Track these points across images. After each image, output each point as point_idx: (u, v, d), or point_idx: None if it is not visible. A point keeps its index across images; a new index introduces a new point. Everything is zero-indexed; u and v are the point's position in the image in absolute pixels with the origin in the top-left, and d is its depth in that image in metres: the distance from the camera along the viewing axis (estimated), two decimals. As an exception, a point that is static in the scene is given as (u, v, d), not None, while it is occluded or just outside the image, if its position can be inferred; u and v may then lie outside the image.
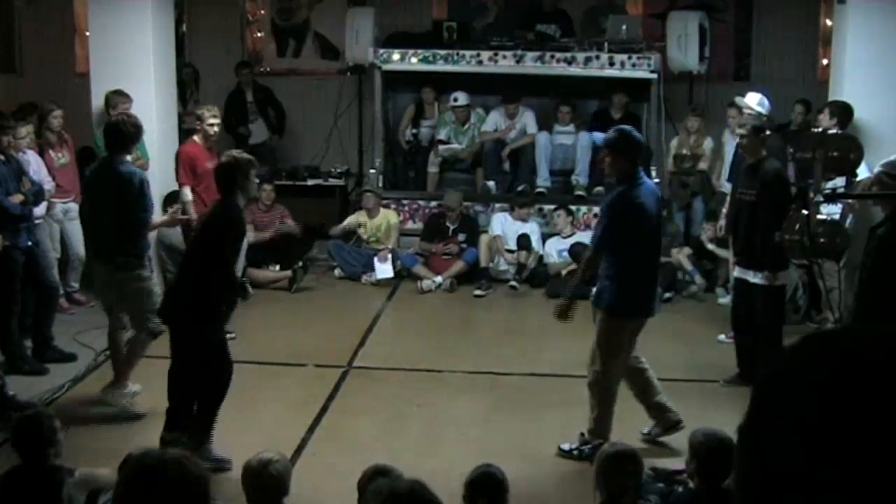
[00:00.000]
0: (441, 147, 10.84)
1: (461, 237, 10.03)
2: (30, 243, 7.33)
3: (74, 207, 8.78)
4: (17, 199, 7.16)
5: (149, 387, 7.17)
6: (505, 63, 10.28)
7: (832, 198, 6.09)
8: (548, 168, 10.53)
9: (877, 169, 6.16)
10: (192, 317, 5.77)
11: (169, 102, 9.50)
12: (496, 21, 11.80)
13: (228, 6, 12.32)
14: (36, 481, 4.19)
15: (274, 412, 6.61)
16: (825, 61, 10.73)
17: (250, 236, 8.69)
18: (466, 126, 10.84)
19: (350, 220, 10.35)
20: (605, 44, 10.24)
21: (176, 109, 9.93)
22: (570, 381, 7.32)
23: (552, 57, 10.22)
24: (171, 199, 8.46)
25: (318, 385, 7.21)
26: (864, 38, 8.40)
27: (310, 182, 11.32)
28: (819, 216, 5.96)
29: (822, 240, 5.95)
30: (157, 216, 7.62)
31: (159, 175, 8.60)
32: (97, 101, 8.90)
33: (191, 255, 6.23)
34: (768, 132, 7.32)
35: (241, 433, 5.96)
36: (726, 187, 9.12)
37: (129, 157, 6.95)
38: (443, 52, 10.36)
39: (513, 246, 9.83)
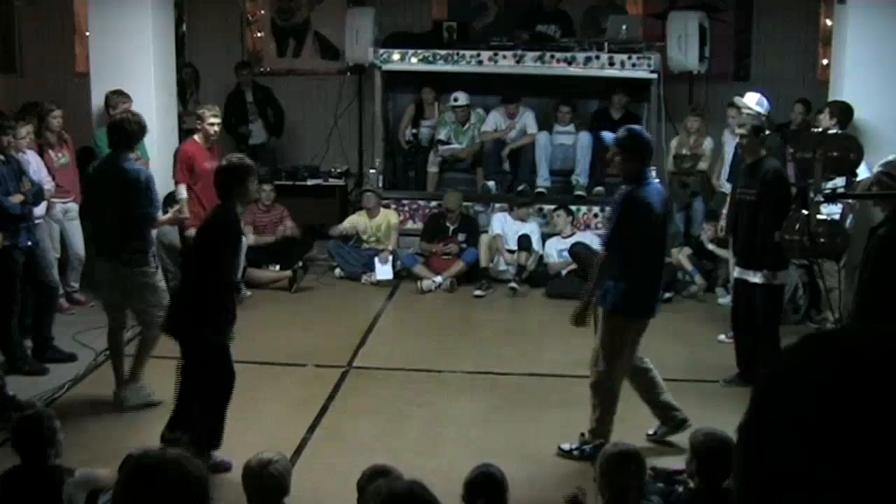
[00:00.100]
0: (441, 147, 10.84)
1: (461, 237, 10.03)
2: (30, 243, 7.33)
3: (74, 207, 8.79)
4: (17, 198, 7.15)
5: (147, 387, 7.19)
6: (505, 63, 10.28)
7: (832, 198, 6.09)
8: (548, 168, 10.53)
9: (876, 169, 6.16)
10: (191, 319, 5.78)
11: (169, 102, 9.51)
12: (496, 21, 11.81)
13: (228, 6, 12.33)
14: (36, 481, 4.19)
15: (274, 412, 6.61)
16: (825, 61, 10.73)
17: (251, 238, 8.70)
18: (466, 126, 10.84)
19: (350, 221, 10.35)
20: (605, 44, 10.24)
21: (176, 109, 9.94)
22: (570, 381, 7.32)
23: (552, 57, 10.22)
24: (171, 198, 8.47)
25: (318, 385, 7.21)
26: (864, 38, 8.40)
27: (310, 182, 11.32)
28: (819, 216, 5.95)
29: (822, 240, 5.95)
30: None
31: (159, 175, 8.55)
32: (97, 101, 8.90)
33: (189, 259, 6.27)
34: (767, 132, 7.32)
35: (241, 433, 5.96)
36: (726, 187, 9.12)
37: (132, 155, 7.00)
38: (443, 52, 10.36)
39: (513, 246, 9.83)
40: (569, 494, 4.25)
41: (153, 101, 8.94)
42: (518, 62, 10.26)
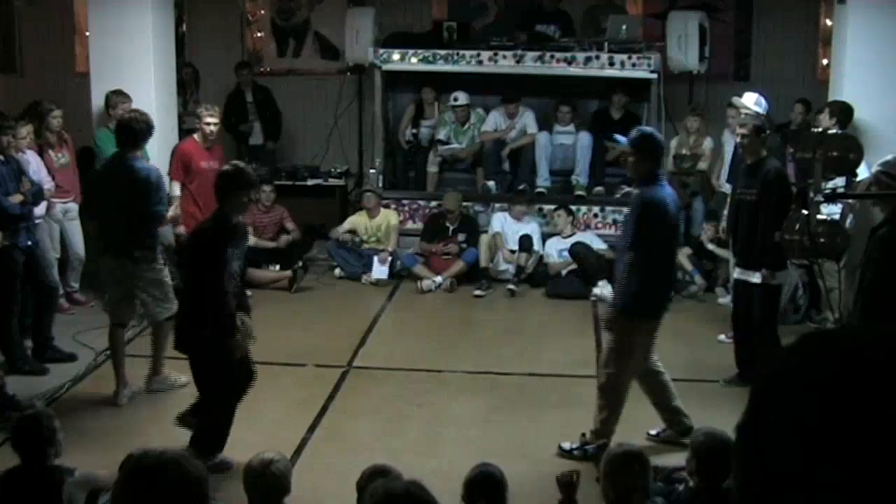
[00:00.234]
0: (441, 147, 10.84)
1: (461, 237, 10.03)
2: (29, 243, 7.33)
3: (74, 207, 8.80)
4: (17, 198, 7.16)
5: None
6: (505, 63, 10.28)
7: (832, 198, 6.09)
8: (548, 168, 10.53)
9: (875, 168, 6.16)
10: (191, 321, 5.80)
11: (169, 102, 9.50)
12: (496, 21, 11.81)
13: (228, 6, 12.33)
14: (36, 481, 4.19)
15: (274, 412, 6.61)
16: (825, 61, 10.74)
17: (251, 239, 8.70)
18: (466, 126, 10.84)
19: (350, 221, 10.35)
20: (605, 44, 10.24)
21: (176, 109, 9.94)
22: (570, 381, 7.33)
23: (552, 57, 10.22)
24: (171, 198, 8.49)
25: (318, 385, 7.21)
26: (864, 38, 8.40)
27: (310, 182, 11.32)
28: (819, 216, 5.95)
29: (822, 240, 5.95)
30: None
31: (160, 175, 8.61)
32: (97, 101, 8.90)
33: (186, 261, 6.33)
34: (768, 132, 7.32)
35: (241, 433, 5.96)
36: (726, 187, 9.12)
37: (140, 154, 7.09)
38: (443, 52, 10.36)
39: (514, 246, 9.83)
40: (563, 474, 4.25)
41: (153, 101, 8.93)
42: (518, 62, 10.26)
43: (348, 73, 11.81)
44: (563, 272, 9.71)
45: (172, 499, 2.59)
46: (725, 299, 8.70)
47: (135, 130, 6.86)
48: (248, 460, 4.26)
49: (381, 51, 10.54)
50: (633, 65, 10.11)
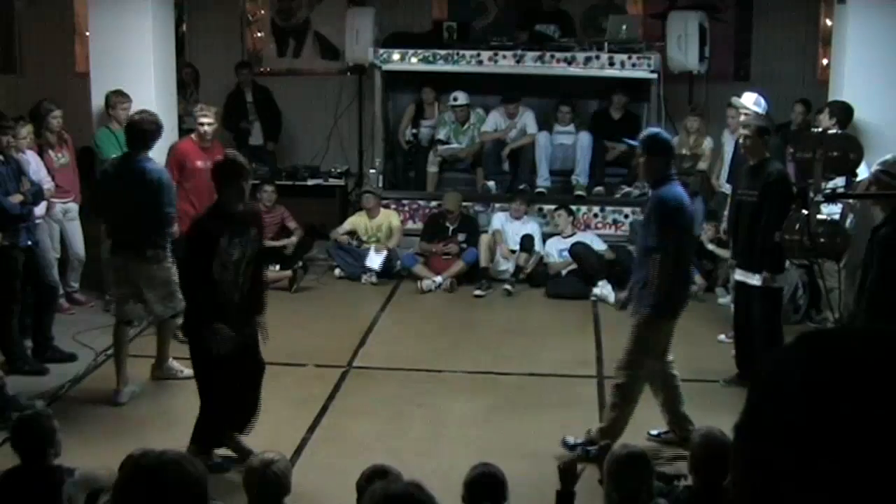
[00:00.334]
0: (441, 147, 10.85)
1: (461, 237, 10.03)
2: (29, 243, 7.34)
3: (74, 207, 8.80)
4: (17, 198, 7.16)
5: (147, 387, 7.20)
6: (505, 63, 10.28)
7: (832, 198, 6.09)
8: (548, 168, 10.53)
9: (875, 167, 6.16)
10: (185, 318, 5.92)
11: (169, 102, 9.49)
12: (496, 21, 11.81)
13: (228, 6, 12.33)
14: (36, 481, 4.19)
15: (274, 412, 6.61)
16: (825, 61, 10.74)
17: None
18: (466, 126, 10.84)
19: (350, 221, 10.35)
20: (605, 44, 10.24)
21: (176, 109, 9.93)
22: (570, 381, 7.33)
23: (552, 57, 10.22)
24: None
25: (318, 385, 7.21)
26: (864, 38, 8.40)
27: (310, 182, 11.32)
28: (819, 216, 5.95)
29: (822, 240, 5.95)
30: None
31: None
32: (97, 101, 8.90)
33: (182, 253, 6.44)
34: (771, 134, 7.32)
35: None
36: (726, 188, 9.12)
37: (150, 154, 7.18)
38: (443, 52, 10.36)
39: (514, 246, 9.83)
40: (564, 462, 4.24)
41: (153, 101, 8.91)
42: (518, 62, 10.26)
43: (348, 73, 11.81)
44: (563, 272, 9.71)
45: (172, 499, 2.59)
46: (725, 299, 8.70)
47: (145, 131, 6.99)
48: (248, 460, 4.26)
49: (381, 51, 10.54)
50: (633, 65, 10.11)
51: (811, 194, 5.76)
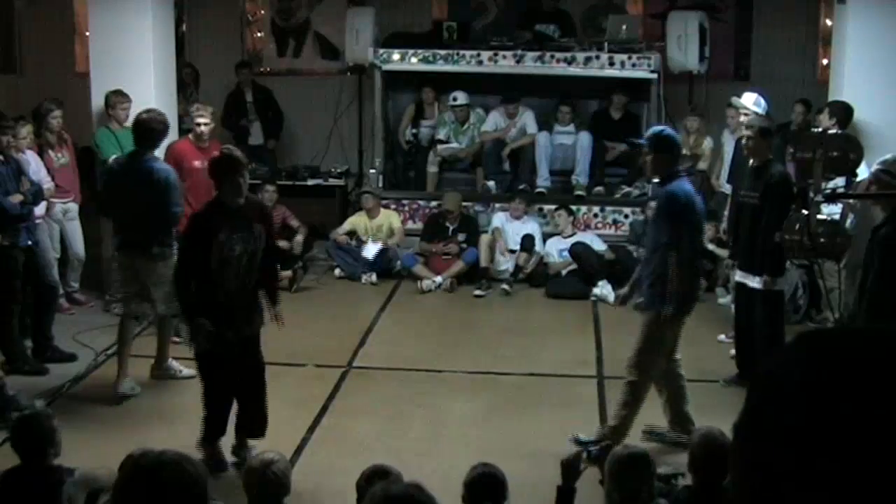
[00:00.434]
0: (440, 147, 10.85)
1: (461, 237, 10.03)
2: (30, 243, 7.34)
3: (74, 207, 8.80)
4: (17, 198, 7.16)
5: (147, 386, 7.20)
6: (505, 63, 10.28)
7: (832, 198, 6.09)
8: (548, 168, 10.53)
9: (875, 167, 6.16)
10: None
11: (169, 102, 9.49)
12: (496, 21, 11.81)
13: (228, 6, 12.33)
14: (36, 481, 4.19)
15: (274, 412, 6.60)
16: (825, 61, 10.73)
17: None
18: (466, 126, 10.84)
19: (350, 222, 10.35)
20: (605, 44, 10.24)
21: (176, 109, 9.93)
22: (570, 381, 7.33)
23: (552, 57, 10.22)
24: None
25: (318, 385, 7.21)
26: (864, 38, 8.40)
27: (310, 182, 11.33)
28: (819, 216, 5.95)
29: (822, 240, 5.94)
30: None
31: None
32: (97, 101, 8.90)
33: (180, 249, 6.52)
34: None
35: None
36: (726, 188, 9.12)
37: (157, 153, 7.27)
38: (443, 52, 10.37)
39: (514, 246, 9.84)
40: (568, 457, 4.24)
41: (153, 101, 8.90)
42: (518, 62, 10.26)
43: (348, 73, 11.81)
44: (563, 272, 9.71)
45: (171, 499, 2.59)
46: (725, 299, 8.70)
47: (153, 130, 7.05)
48: (248, 461, 4.26)
49: (381, 51, 10.54)
50: (633, 65, 10.11)
51: (811, 194, 5.76)
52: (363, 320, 8.75)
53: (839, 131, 7.59)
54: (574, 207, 10.15)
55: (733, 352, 7.43)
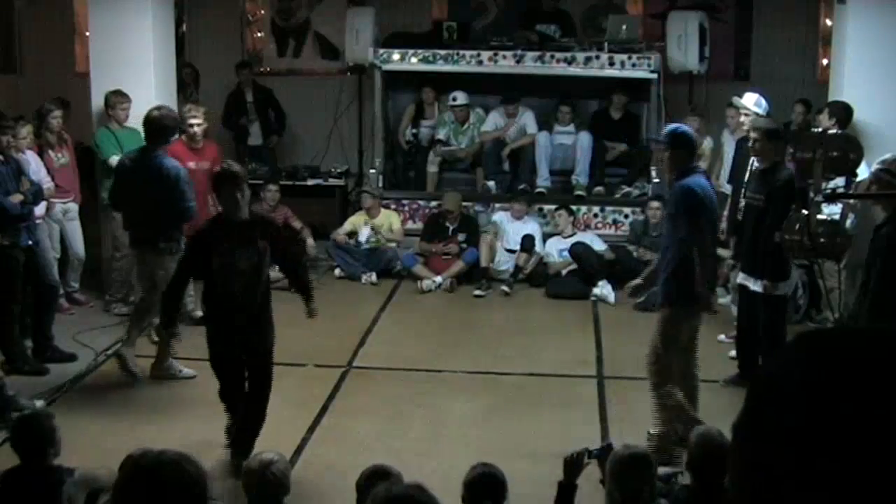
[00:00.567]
0: (441, 147, 10.85)
1: (461, 237, 10.03)
2: (30, 243, 7.34)
3: (74, 207, 8.80)
4: (17, 198, 7.16)
5: (147, 385, 7.20)
6: (505, 63, 10.28)
7: (832, 198, 6.09)
8: (548, 168, 10.53)
9: (875, 166, 6.15)
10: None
11: (169, 102, 9.47)
12: (496, 21, 11.81)
13: (228, 6, 12.33)
14: (35, 481, 4.19)
15: (274, 412, 6.60)
16: (825, 61, 10.73)
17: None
18: (466, 126, 10.84)
19: (350, 222, 10.35)
20: (605, 44, 10.24)
21: (176, 109, 9.93)
22: (570, 381, 7.33)
23: (552, 57, 10.22)
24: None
25: (318, 385, 7.21)
26: (864, 38, 8.40)
27: (310, 182, 11.33)
28: (819, 216, 5.95)
29: (822, 240, 5.94)
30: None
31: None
32: (97, 101, 8.90)
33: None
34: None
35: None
36: (726, 188, 9.10)
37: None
38: (443, 52, 10.36)
39: (514, 246, 9.83)
40: (571, 455, 4.24)
41: (153, 101, 8.90)
42: (518, 62, 10.26)
43: (348, 73, 11.81)
44: (563, 272, 9.71)
45: (171, 499, 2.59)
46: (725, 299, 8.69)
47: (165, 126, 7.15)
48: (248, 461, 4.26)
49: (381, 51, 10.54)
50: (633, 65, 10.11)
51: (811, 194, 5.76)
52: (363, 320, 8.75)
53: (839, 131, 7.59)
54: (574, 207, 10.15)
55: (733, 352, 7.43)
